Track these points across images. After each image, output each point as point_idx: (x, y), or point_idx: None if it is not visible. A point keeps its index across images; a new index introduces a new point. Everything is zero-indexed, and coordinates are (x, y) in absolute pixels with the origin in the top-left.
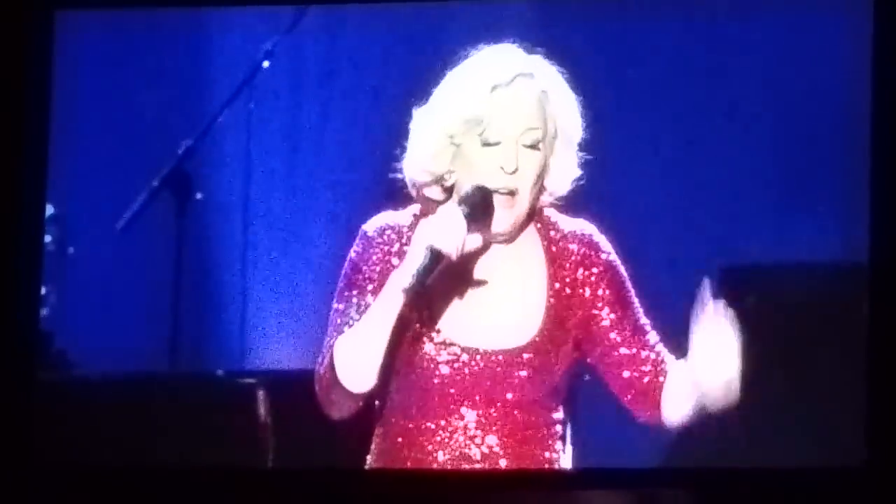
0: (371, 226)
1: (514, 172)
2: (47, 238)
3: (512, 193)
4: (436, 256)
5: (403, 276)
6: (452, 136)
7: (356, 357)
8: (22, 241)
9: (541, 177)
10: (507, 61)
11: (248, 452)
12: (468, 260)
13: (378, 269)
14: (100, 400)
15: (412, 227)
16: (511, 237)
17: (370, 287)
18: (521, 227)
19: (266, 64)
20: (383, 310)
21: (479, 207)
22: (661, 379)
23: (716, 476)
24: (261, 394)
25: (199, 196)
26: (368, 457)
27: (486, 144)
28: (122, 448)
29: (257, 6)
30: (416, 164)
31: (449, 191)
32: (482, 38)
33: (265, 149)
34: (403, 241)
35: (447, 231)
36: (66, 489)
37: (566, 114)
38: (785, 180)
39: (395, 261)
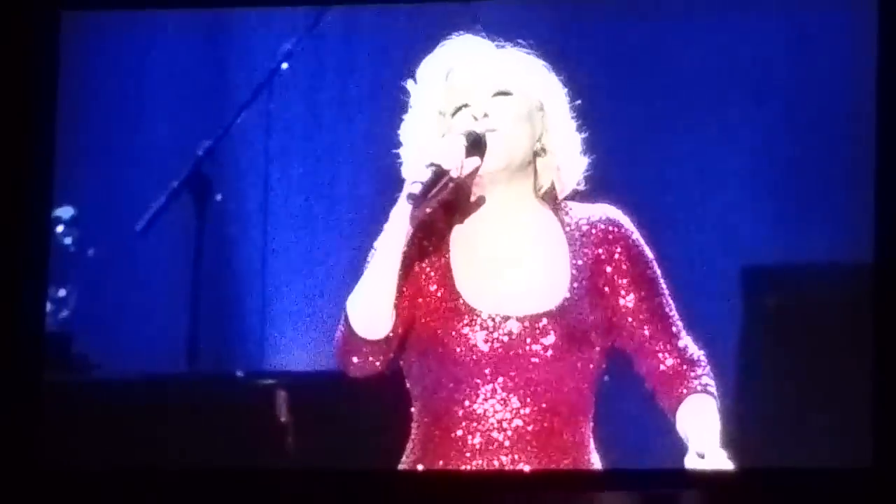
0: None
1: (485, 117)
2: (67, 240)
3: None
4: (437, 172)
5: (406, 187)
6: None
7: (366, 299)
8: (29, 242)
9: (528, 123)
10: (458, 49)
11: (268, 453)
12: (485, 227)
13: None
14: (118, 401)
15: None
16: (509, 176)
17: None
18: (518, 171)
19: (285, 65)
20: (388, 240)
21: (475, 143)
22: (683, 367)
23: (724, 477)
24: (280, 395)
25: (218, 197)
26: (408, 445)
27: (458, 110)
28: (142, 450)
29: (276, 7)
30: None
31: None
32: (504, 39)
33: (284, 150)
34: None
35: (447, 149)
36: (84, 492)
37: (541, 79)
38: (788, 181)
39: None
